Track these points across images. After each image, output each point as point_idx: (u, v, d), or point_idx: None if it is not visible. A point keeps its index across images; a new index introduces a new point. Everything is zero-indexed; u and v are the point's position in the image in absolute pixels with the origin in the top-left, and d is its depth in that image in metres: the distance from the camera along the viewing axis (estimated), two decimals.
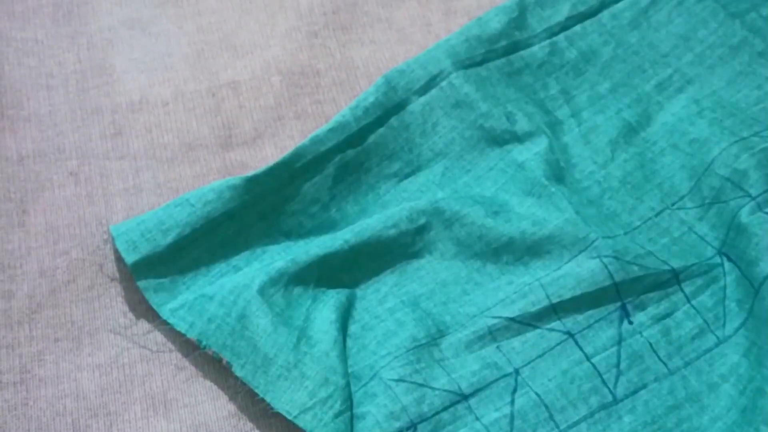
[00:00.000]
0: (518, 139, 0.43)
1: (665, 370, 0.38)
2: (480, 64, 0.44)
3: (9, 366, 0.40)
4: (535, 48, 0.45)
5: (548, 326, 0.39)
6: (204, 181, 0.45)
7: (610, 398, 0.38)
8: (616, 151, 0.43)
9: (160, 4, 0.50)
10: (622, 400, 0.38)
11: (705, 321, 0.39)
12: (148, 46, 0.48)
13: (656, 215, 0.42)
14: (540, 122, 0.43)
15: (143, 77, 0.48)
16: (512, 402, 0.37)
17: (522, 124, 0.43)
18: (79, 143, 0.46)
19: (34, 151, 0.45)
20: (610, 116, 0.44)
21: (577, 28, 0.46)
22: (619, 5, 0.46)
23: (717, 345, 0.39)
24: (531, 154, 0.42)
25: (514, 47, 0.45)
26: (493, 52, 0.45)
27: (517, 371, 0.38)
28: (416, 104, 0.44)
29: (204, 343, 0.39)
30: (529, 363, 0.38)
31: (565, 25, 0.45)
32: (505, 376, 0.38)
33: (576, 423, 0.37)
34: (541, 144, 0.42)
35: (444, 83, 0.44)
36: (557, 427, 0.37)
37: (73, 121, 0.46)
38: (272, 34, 0.49)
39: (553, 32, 0.45)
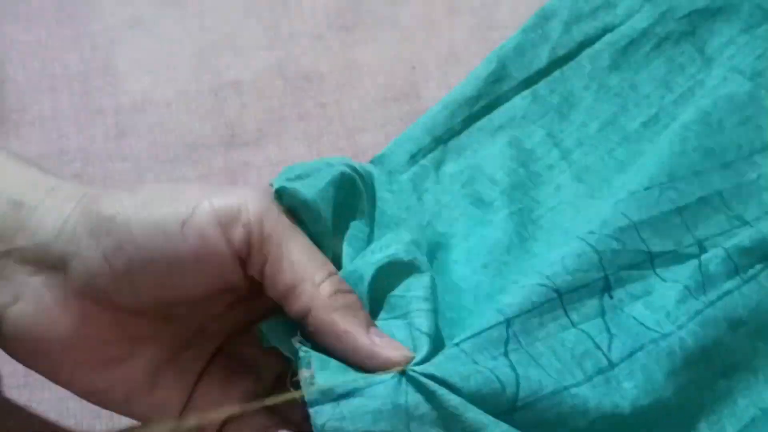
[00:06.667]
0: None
1: (658, 334, 0.36)
2: (460, 132, 0.44)
3: (13, 370, 0.40)
4: (517, 99, 0.44)
5: (536, 281, 0.37)
6: (207, 181, 0.45)
7: (605, 362, 0.35)
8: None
9: (163, 4, 0.50)
10: (618, 364, 0.35)
11: (686, 287, 0.38)
12: (151, 46, 0.49)
13: (645, 189, 0.40)
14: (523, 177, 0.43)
15: (146, 77, 0.48)
16: (506, 354, 0.34)
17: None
18: (82, 145, 0.46)
19: (39, 154, 0.46)
20: (602, 156, 0.43)
21: (557, 73, 0.45)
22: (597, 46, 0.45)
23: (706, 307, 0.37)
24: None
25: (495, 103, 0.44)
26: (474, 115, 0.44)
27: (509, 321, 0.35)
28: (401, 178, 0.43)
29: None
30: (518, 316, 0.35)
31: (545, 72, 0.45)
32: (498, 324, 0.35)
33: (575, 384, 0.34)
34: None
35: (424, 161, 0.43)
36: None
37: (76, 123, 0.47)
38: (276, 35, 0.49)
39: (533, 81, 0.45)
